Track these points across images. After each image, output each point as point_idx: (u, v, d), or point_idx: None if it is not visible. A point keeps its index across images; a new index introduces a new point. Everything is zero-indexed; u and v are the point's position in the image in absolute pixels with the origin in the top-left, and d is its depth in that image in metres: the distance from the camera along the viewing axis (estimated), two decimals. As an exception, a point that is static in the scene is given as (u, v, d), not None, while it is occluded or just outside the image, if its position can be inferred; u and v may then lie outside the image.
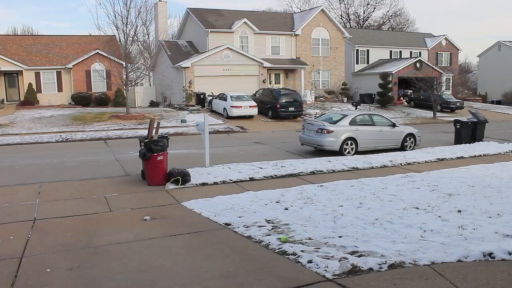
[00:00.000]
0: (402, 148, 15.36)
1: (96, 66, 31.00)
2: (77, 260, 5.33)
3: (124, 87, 25.61)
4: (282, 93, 26.31)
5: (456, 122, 17.53)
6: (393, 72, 35.55)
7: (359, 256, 5.21)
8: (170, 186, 9.51)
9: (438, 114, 31.09)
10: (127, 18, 24.44)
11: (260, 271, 4.93)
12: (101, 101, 30.81)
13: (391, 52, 43.45)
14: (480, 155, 14.26)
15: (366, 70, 40.06)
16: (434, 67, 37.83)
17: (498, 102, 46.52)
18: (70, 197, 8.75)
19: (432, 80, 31.54)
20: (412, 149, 15.44)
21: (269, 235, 6.16)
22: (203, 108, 28.60)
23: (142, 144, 9.83)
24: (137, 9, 26.28)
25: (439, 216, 6.83)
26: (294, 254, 5.38)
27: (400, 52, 43.86)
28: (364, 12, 65.10)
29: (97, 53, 31.16)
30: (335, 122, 14.59)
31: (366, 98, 35.26)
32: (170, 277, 4.79)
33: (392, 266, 4.90)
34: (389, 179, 10.16)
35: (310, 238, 5.97)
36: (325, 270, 4.83)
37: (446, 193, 8.52)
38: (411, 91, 37.08)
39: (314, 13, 36.63)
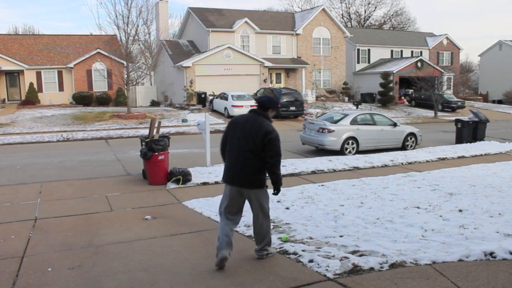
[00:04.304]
0: (403, 147, 15.34)
1: (97, 65, 31.02)
2: (78, 259, 5.33)
3: (125, 87, 25.63)
4: (283, 92, 26.29)
5: (457, 121, 17.50)
6: (394, 72, 35.51)
7: (360, 255, 5.21)
8: (171, 185, 9.51)
9: (439, 113, 31.07)
10: (128, 17, 24.50)
11: (261, 270, 4.93)
12: (102, 100, 30.84)
13: (392, 51, 43.41)
14: (481, 155, 14.25)
15: (367, 70, 40.03)
16: (435, 66, 37.79)
17: (499, 102, 46.50)
18: (71, 196, 8.76)
19: (433, 80, 31.52)
20: (413, 149, 15.43)
21: (270, 234, 6.15)
22: (204, 107, 28.62)
23: (143, 143, 9.82)
24: (138, 8, 26.39)
25: (440, 216, 6.82)
26: (295, 253, 5.38)
27: (401, 51, 43.82)
28: (365, 12, 65.13)
29: (98, 52, 31.18)
30: (336, 122, 14.57)
31: (367, 98, 35.23)
32: (171, 277, 4.79)
33: (393, 266, 4.90)
34: (390, 178, 10.15)
35: (311, 238, 5.96)
36: (326, 270, 4.82)
37: (447, 192, 8.51)
38: (412, 90, 37.09)
39: (315, 12, 36.60)
